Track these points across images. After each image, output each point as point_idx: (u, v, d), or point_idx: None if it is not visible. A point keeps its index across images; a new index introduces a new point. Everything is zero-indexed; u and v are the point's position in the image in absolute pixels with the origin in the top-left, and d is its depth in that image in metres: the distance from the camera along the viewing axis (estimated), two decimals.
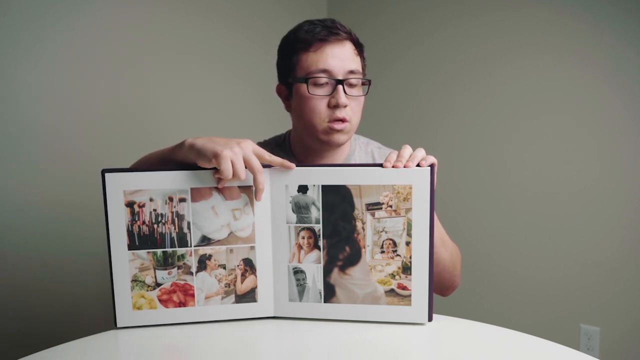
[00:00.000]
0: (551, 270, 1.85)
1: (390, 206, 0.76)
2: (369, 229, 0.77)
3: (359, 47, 0.95)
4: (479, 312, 2.01)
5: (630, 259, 1.69)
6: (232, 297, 0.79)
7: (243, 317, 0.80)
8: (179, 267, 0.77)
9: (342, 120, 0.90)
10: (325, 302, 0.78)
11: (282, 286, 0.79)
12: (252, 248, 0.78)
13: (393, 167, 0.75)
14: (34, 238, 1.41)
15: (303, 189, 0.77)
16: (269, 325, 0.79)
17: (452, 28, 2.02)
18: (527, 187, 1.88)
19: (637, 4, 1.60)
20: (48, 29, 1.41)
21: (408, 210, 0.75)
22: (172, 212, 0.76)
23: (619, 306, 1.72)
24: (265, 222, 0.78)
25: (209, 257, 0.78)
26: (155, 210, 0.76)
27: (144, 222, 0.76)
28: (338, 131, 0.91)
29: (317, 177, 0.76)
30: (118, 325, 0.78)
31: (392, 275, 0.77)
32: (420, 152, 0.77)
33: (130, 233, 0.76)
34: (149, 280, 0.77)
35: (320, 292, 0.78)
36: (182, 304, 0.78)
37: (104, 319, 1.39)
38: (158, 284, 0.77)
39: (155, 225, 0.76)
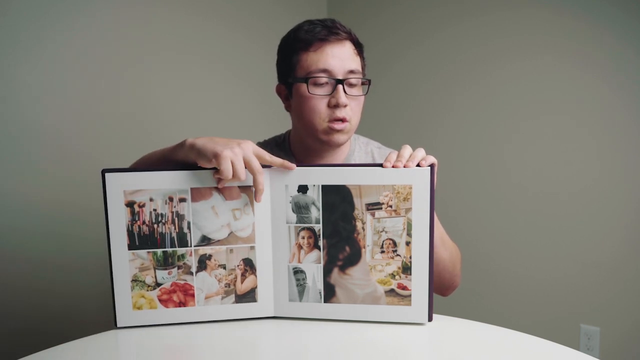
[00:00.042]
0: (551, 270, 1.85)
1: (390, 206, 0.76)
2: (369, 229, 0.77)
3: (358, 47, 0.95)
4: (479, 312, 2.01)
5: (630, 259, 1.69)
6: (232, 297, 0.79)
7: (243, 317, 0.80)
8: (179, 267, 0.77)
9: (342, 120, 0.90)
10: (325, 302, 0.79)
11: (282, 286, 0.79)
12: (252, 248, 0.78)
13: (393, 167, 0.75)
14: (34, 238, 1.41)
15: (303, 189, 0.77)
16: (269, 325, 0.79)
17: (452, 28, 2.02)
18: (527, 187, 1.88)
19: (637, 4, 1.60)
20: (48, 29, 1.41)
21: (408, 210, 0.75)
22: (172, 212, 0.76)
23: (619, 306, 1.72)
24: (265, 222, 0.78)
25: (209, 257, 0.78)
26: (155, 210, 0.76)
27: (144, 222, 0.76)
28: (338, 131, 0.91)
29: (317, 177, 0.76)
30: (118, 325, 0.78)
31: (392, 275, 0.77)
32: (420, 152, 0.77)
33: (130, 233, 0.76)
34: (149, 280, 0.77)
35: (320, 292, 0.78)
36: (182, 304, 0.78)
37: (104, 319, 1.39)
38: (158, 284, 0.77)
39: (156, 225, 0.76)
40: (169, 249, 0.77)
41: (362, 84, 0.94)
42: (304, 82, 0.90)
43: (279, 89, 1.00)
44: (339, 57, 0.90)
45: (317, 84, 0.90)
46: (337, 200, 0.76)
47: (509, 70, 1.88)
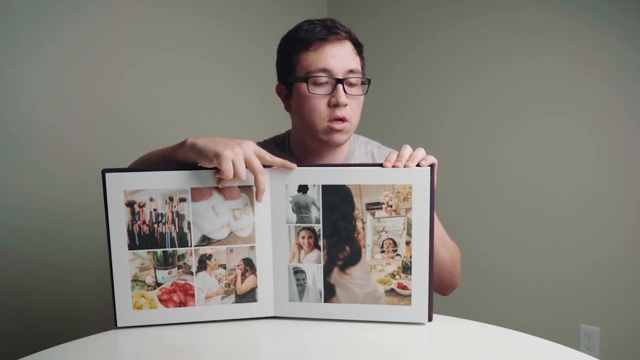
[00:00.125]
0: (551, 270, 1.85)
1: (390, 206, 0.76)
2: (369, 228, 0.77)
3: (358, 47, 0.95)
4: (479, 312, 2.01)
5: (630, 259, 1.69)
6: (232, 297, 0.79)
7: (243, 317, 0.80)
8: (179, 267, 0.77)
9: (342, 120, 0.91)
10: (325, 301, 0.79)
11: (282, 286, 0.79)
12: (252, 248, 0.78)
13: (393, 166, 0.75)
14: (34, 238, 1.41)
15: (303, 188, 0.77)
16: (269, 325, 0.79)
17: (452, 28, 2.02)
18: (527, 187, 1.88)
19: (637, 4, 1.60)
20: (48, 29, 1.41)
21: (408, 210, 0.75)
22: (173, 212, 0.76)
23: (619, 306, 1.72)
24: (266, 222, 0.78)
25: (209, 256, 0.78)
26: (155, 210, 0.76)
27: (144, 222, 0.76)
28: (338, 131, 0.91)
29: (317, 177, 0.76)
30: (118, 325, 0.78)
31: (392, 275, 0.77)
32: (420, 152, 0.77)
33: (130, 233, 0.76)
34: (149, 280, 0.77)
35: (320, 292, 0.78)
36: (182, 304, 0.78)
37: (104, 319, 1.39)
38: (158, 284, 0.77)
39: (156, 225, 0.76)
40: (169, 249, 0.77)
41: (362, 83, 0.94)
42: (304, 82, 0.90)
43: (278, 88, 1.00)
44: (338, 57, 0.90)
45: (317, 84, 0.90)
46: (337, 200, 0.76)
47: (509, 70, 1.88)
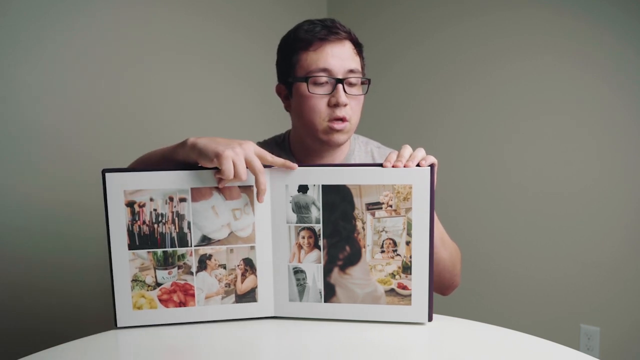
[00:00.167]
0: (551, 270, 1.85)
1: (390, 206, 0.76)
2: (369, 228, 0.77)
3: (358, 47, 0.95)
4: (479, 312, 2.01)
5: (630, 259, 1.69)
6: (233, 297, 0.79)
7: (243, 317, 0.79)
8: (179, 267, 0.77)
9: (342, 120, 0.91)
10: (325, 301, 0.78)
11: (282, 286, 0.79)
12: (252, 248, 0.78)
13: (393, 166, 0.75)
14: (34, 238, 1.41)
15: (303, 188, 0.77)
16: (269, 325, 0.79)
17: (452, 28, 2.02)
18: (527, 187, 1.88)
19: (637, 4, 1.60)
20: (48, 29, 1.41)
21: (408, 210, 0.75)
22: (173, 212, 0.76)
23: (619, 306, 1.72)
24: (266, 222, 0.78)
25: (209, 256, 0.78)
26: (155, 210, 0.76)
27: (144, 222, 0.76)
28: (338, 131, 0.91)
29: (317, 177, 0.76)
30: (118, 325, 0.78)
31: (392, 275, 0.77)
32: (420, 152, 0.77)
33: (130, 233, 0.76)
34: (149, 280, 0.77)
35: (320, 292, 0.78)
36: (182, 304, 0.78)
37: (104, 319, 1.39)
38: (158, 284, 0.77)
39: (156, 225, 0.76)
40: (169, 249, 0.77)
41: (362, 83, 0.94)
42: (304, 82, 0.90)
43: (278, 88, 1.00)
44: (338, 57, 0.90)
45: (317, 84, 0.90)
46: (337, 200, 0.76)
47: (509, 70, 1.88)
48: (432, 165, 0.76)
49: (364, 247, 0.77)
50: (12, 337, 1.37)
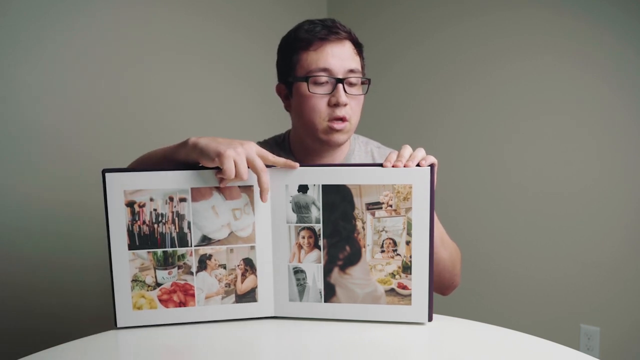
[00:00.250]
0: (551, 270, 1.85)
1: (390, 206, 0.76)
2: (369, 228, 0.77)
3: (358, 47, 0.95)
4: (479, 312, 2.01)
5: (630, 259, 1.69)
6: (233, 297, 0.79)
7: (243, 317, 0.80)
8: (179, 267, 0.77)
9: (342, 120, 0.91)
10: (325, 301, 0.78)
11: (282, 286, 0.79)
12: (253, 248, 0.78)
13: (393, 166, 0.75)
14: (34, 238, 1.41)
15: (303, 188, 0.77)
16: (269, 325, 0.79)
17: (452, 28, 2.02)
18: (527, 187, 1.88)
19: (637, 4, 1.60)
20: (48, 29, 1.41)
21: (408, 209, 0.75)
22: (173, 212, 0.76)
23: (619, 306, 1.72)
24: (266, 221, 0.78)
25: (209, 256, 0.78)
26: (155, 210, 0.76)
27: (144, 222, 0.76)
28: (338, 131, 0.91)
29: (317, 176, 0.76)
30: (118, 325, 0.78)
31: (392, 275, 0.77)
32: (420, 152, 0.77)
33: (130, 233, 0.76)
34: (149, 280, 0.77)
35: (320, 292, 0.78)
36: (182, 304, 0.78)
37: (104, 319, 1.39)
38: (158, 284, 0.77)
39: (156, 225, 0.76)
40: (169, 249, 0.77)
41: (362, 83, 0.94)
42: (304, 81, 0.90)
43: (279, 88, 1.00)
44: (339, 57, 0.90)
45: (317, 83, 0.90)
46: (337, 200, 0.76)
47: (509, 70, 1.88)
48: (432, 165, 0.76)
49: (364, 247, 0.77)
50: (12, 337, 1.37)
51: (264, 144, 1.05)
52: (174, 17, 1.73)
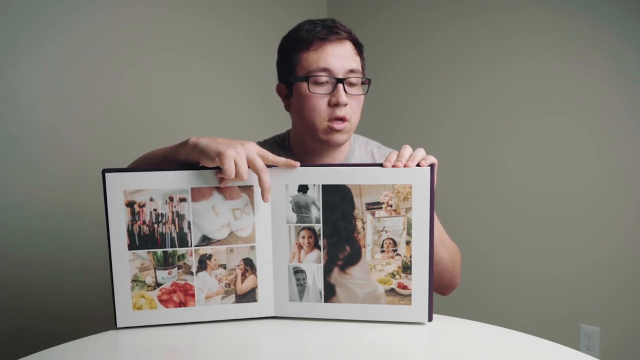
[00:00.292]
0: (551, 270, 1.85)
1: (390, 206, 0.76)
2: (369, 228, 0.77)
3: (358, 47, 0.95)
4: (479, 312, 2.01)
5: (630, 259, 1.69)
6: (233, 297, 0.79)
7: (243, 317, 0.79)
8: (179, 267, 0.77)
9: (342, 119, 0.91)
10: (325, 301, 0.78)
11: (283, 286, 0.79)
12: (253, 248, 0.78)
13: (393, 166, 0.75)
14: (34, 238, 1.41)
15: (303, 188, 0.77)
16: (269, 325, 0.79)
17: (452, 28, 2.02)
18: (527, 187, 1.88)
19: (637, 4, 1.60)
20: (48, 29, 1.41)
21: (408, 209, 0.75)
22: (173, 212, 0.76)
23: (619, 306, 1.72)
24: (266, 221, 0.78)
25: (209, 257, 0.78)
26: (155, 210, 0.76)
27: (144, 222, 0.76)
28: (338, 131, 0.91)
29: (317, 176, 0.76)
30: (118, 326, 0.78)
31: (392, 275, 0.77)
32: (420, 152, 0.77)
33: (130, 233, 0.76)
34: (149, 280, 0.77)
35: (320, 292, 0.78)
36: (182, 304, 0.78)
37: (104, 319, 1.39)
38: (158, 284, 0.77)
39: (156, 225, 0.76)
40: (169, 249, 0.77)
41: (362, 83, 0.94)
42: (305, 81, 0.90)
43: (279, 88, 1.00)
44: (339, 57, 0.90)
45: (318, 83, 0.90)
46: (337, 200, 0.76)
47: (509, 70, 1.88)
48: (432, 165, 0.76)
49: (364, 247, 0.77)
50: (12, 337, 1.37)
51: (264, 144, 1.05)
52: (174, 17, 1.73)
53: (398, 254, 0.77)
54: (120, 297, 0.77)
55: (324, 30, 0.90)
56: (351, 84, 0.92)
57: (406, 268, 0.77)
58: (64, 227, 1.47)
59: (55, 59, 1.43)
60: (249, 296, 0.79)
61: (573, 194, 1.78)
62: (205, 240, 0.77)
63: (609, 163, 1.71)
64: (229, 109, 1.96)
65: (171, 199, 0.76)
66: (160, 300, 0.78)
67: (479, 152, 2.00)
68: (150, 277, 0.77)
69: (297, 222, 0.78)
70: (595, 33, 1.68)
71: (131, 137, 1.61)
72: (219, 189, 0.76)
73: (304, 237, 0.78)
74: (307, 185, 0.77)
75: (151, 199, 0.75)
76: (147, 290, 0.77)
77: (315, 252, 0.78)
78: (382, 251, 0.77)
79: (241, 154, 0.72)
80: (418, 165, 0.75)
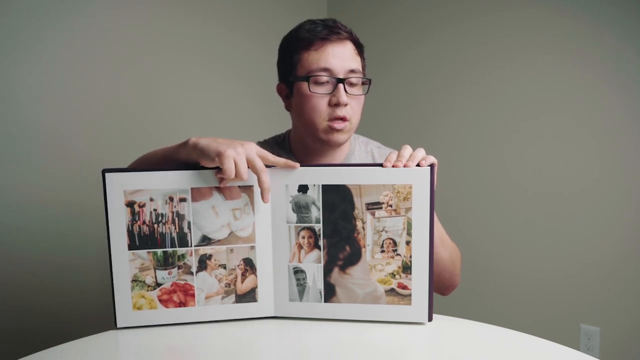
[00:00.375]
0: (551, 270, 1.85)
1: (390, 206, 0.76)
2: (369, 228, 0.77)
3: (359, 47, 0.95)
4: (479, 312, 2.01)
5: (630, 259, 1.69)
6: (233, 297, 0.79)
7: (243, 317, 0.79)
8: (179, 267, 0.77)
9: (342, 119, 0.91)
10: (325, 301, 0.78)
11: (283, 286, 0.79)
12: (253, 248, 0.78)
13: (393, 166, 0.75)
14: (34, 238, 1.41)
15: (303, 188, 0.77)
16: (269, 325, 0.79)
17: (452, 28, 2.02)
18: (527, 187, 1.88)
19: (637, 4, 1.60)
20: (48, 29, 1.41)
21: (408, 209, 0.75)
22: (173, 212, 0.76)
23: (619, 306, 1.72)
24: (266, 221, 0.78)
25: (209, 256, 0.78)
26: (155, 210, 0.76)
27: (144, 222, 0.76)
28: (338, 131, 0.91)
29: (317, 176, 0.76)
30: (118, 326, 0.78)
31: (392, 275, 0.77)
32: (420, 152, 0.77)
33: (130, 233, 0.76)
34: (149, 280, 0.77)
35: (320, 292, 0.78)
36: (182, 304, 0.78)
37: (104, 319, 1.39)
38: (158, 284, 0.77)
39: (156, 225, 0.76)
40: (169, 249, 0.77)
41: (363, 83, 0.94)
42: (305, 81, 0.90)
43: (279, 88, 1.00)
44: (339, 57, 0.90)
45: (318, 83, 0.90)
46: (337, 200, 0.76)
47: (509, 70, 1.88)
48: (432, 165, 0.76)
49: (364, 247, 0.77)
50: (12, 337, 1.37)
51: (264, 144, 1.05)
52: (174, 17, 1.73)
53: (398, 254, 0.77)
54: (120, 297, 0.77)
55: (324, 30, 0.90)
56: (351, 84, 0.92)
57: (406, 268, 0.77)
58: (64, 227, 1.47)
59: (55, 59, 1.43)
60: (249, 296, 0.79)
61: (573, 194, 1.78)
62: (205, 240, 0.77)
63: (609, 163, 1.71)
64: (229, 109, 1.96)
65: (171, 199, 0.76)
66: (160, 300, 0.78)
67: (479, 152, 2.00)
68: (150, 277, 0.77)
69: (297, 222, 0.78)
70: (595, 33, 1.68)
71: (131, 137, 1.61)
72: (219, 189, 0.76)
73: (304, 237, 0.78)
74: (307, 185, 0.77)
75: (151, 199, 0.75)
76: (147, 290, 0.77)
77: (315, 252, 0.78)
78: (382, 251, 0.77)
79: (241, 154, 0.72)
80: (418, 165, 0.75)
